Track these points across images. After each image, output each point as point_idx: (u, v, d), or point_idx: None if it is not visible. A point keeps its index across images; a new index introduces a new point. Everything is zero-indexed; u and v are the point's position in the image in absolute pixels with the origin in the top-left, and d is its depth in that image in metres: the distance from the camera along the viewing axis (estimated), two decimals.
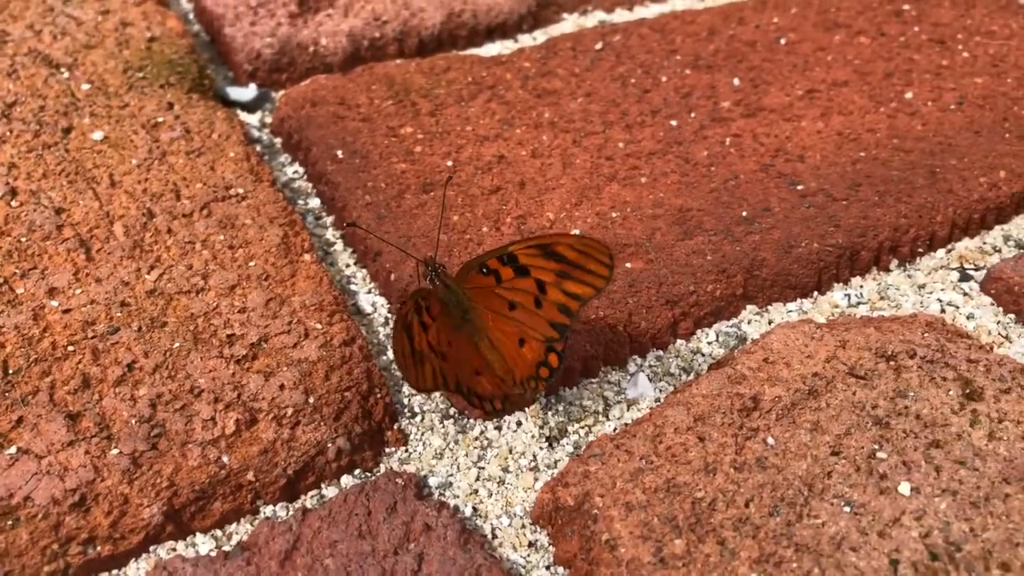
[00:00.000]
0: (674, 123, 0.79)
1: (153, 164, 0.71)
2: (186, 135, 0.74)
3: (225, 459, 0.54)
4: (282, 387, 0.57)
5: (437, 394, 0.61)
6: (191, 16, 0.93)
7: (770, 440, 0.57)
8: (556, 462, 0.58)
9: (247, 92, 0.82)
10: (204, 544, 0.53)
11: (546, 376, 0.57)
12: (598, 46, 0.88)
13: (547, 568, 0.53)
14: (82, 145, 0.72)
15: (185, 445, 0.54)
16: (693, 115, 0.81)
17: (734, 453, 0.56)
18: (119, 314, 0.60)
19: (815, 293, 0.70)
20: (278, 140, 0.80)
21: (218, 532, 0.53)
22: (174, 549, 0.52)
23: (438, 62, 0.84)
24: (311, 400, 0.57)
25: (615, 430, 0.60)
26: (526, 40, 0.92)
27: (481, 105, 0.79)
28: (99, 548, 0.51)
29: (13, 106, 0.74)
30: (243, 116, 0.81)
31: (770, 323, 0.68)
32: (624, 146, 0.77)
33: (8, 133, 0.72)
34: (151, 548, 0.52)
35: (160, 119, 0.75)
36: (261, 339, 0.60)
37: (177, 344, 0.59)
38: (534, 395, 0.59)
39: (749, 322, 0.68)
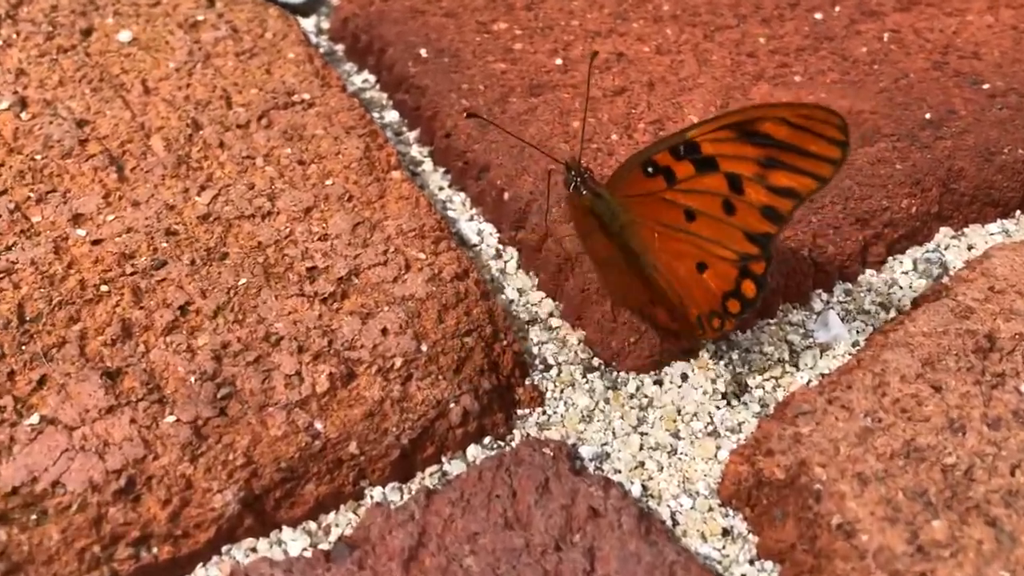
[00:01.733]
0: (819, 16, 0.65)
1: (195, 68, 0.57)
2: (233, 35, 0.60)
3: (318, 426, 0.40)
4: (385, 331, 0.43)
5: (576, 341, 0.47)
6: None
7: None
8: (740, 424, 0.45)
9: None
10: (295, 541, 0.39)
11: (737, 311, 0.43)
12: None
13: (750, 563, 0.40)
14: (106, 48, 0.58)
15: (264, 409, 0.40)
16: (838, 9, 0.66)
17: (983, 406, 0.43)
18: (165, 244, 0.47)
19: (1017, 212, 0.56)
20: (340, 47, 0.66)
21: (312, 524, 0.40)
22: (255, 549, 0.39)
23: None
24: (424, 348, 0.43)
25: (810, 382, 0.46)
26: None
27: None
28: (155, 549, 0.37)
29: (19, 6, 0.60)
30: None
31: (970, 248, 0.54)
32: (766, 42, 0.62)
33: (15, 36, 0.58)
34: (224, 548, 0.39)
35: (200, 17, 0.61)
36: (351, 272, 0.46)
37: (243, 280, 0.45)
38: (716, 336, 0.45)
39: (947, 247, 0.54)
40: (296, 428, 0.40)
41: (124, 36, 0.59)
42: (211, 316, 0.44)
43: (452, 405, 0.42)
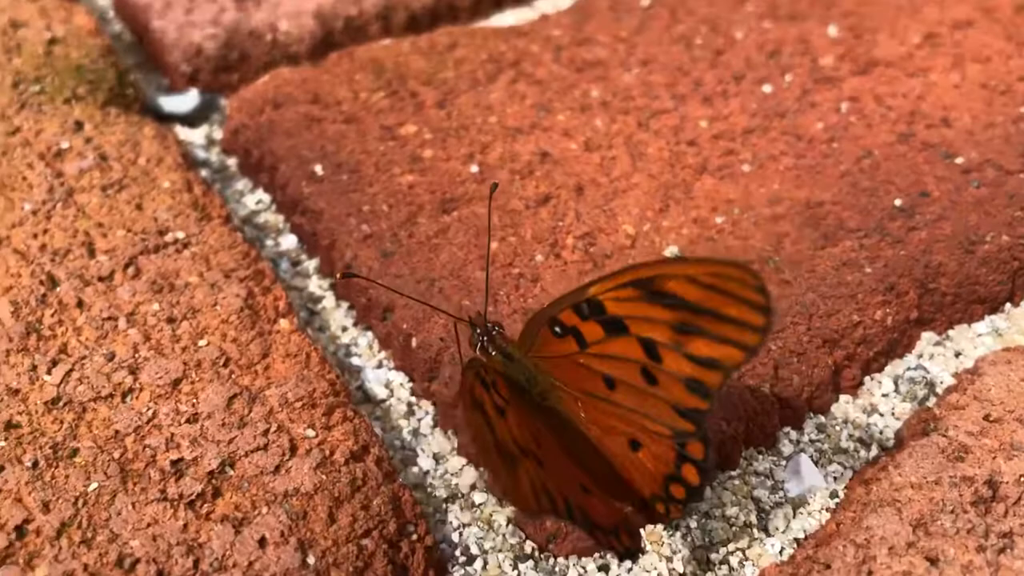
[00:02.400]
0: (767, 89, 0.58)
1: (55, 208, 0.49)
2: (101, 164, 0.52)
3: None
4: (262, 542, 0.36)
5: (504, 521, 0.40)
6: (110, 13, 0.71)
7: None
8: None
9: (186, 100, 0.60)
10: None
11: (682, 497, 0.35)
12: (645, 3, 0.67)
13: None
14: None
15: None
16: (789, 78, 0.60)
17: None
18: (3, 443, 0.39)
19: (1007, 305, 0.50)
20: (232, 161, 0.58)
21: None
22: None
23: (439, 39, 0.63)
24: (310, 560, 0.35)
25: (783, 551, 0.39)
26: (545, 6, 0.70)
27: (505, 88, 0.58)
28: None
29: None
30: (183, 134, 0.59)
31: (957, 355, 0.47)
32: (708, 125, 0.56)
33: None
34: None
35: (64, 145, 0.53)
36: (224, 463, 0.38)
37: (95, 485, 0.37)
38: (664, 520, 0.37)
39: (931, 357, 0.47)
40: None
41: None
42: (53, 537, 0.36)
43: None
